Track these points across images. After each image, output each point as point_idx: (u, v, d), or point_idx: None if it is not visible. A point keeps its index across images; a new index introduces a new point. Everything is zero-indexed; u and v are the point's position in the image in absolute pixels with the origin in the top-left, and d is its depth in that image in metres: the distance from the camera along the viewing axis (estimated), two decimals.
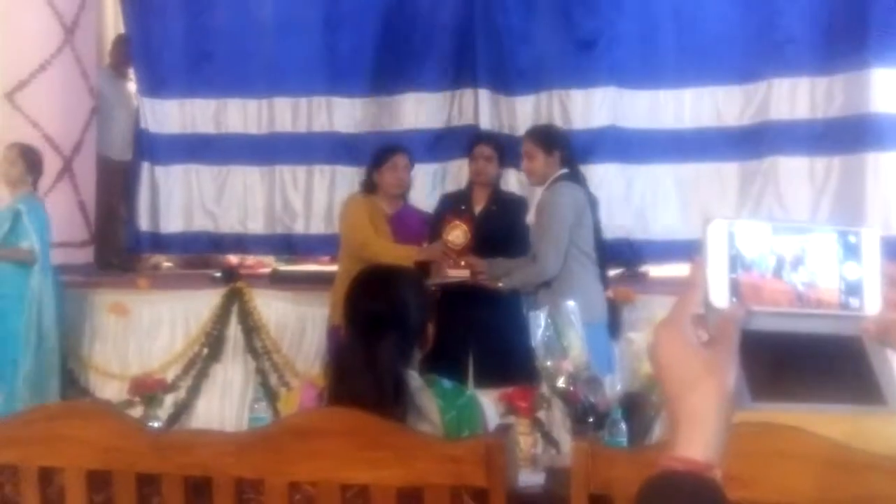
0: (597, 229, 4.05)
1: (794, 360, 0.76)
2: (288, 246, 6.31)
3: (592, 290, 3.94)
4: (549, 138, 4.06)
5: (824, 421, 1.39)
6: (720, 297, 0.76)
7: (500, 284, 4.04)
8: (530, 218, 4.11)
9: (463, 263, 4.14)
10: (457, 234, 4.15)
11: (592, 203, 4.06)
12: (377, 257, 3.93)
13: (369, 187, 4.41)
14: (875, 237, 0.79)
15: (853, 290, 0.78)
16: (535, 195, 5.46)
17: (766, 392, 0.75)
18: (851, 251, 0.78)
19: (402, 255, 4.12)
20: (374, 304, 1.93)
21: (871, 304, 0.78)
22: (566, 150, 4.06)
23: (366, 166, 4.61)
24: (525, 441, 2.74)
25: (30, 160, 4.98)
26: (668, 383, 0.77)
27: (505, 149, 4.50)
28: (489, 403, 2.06)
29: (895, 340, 0.79)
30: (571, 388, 3.01)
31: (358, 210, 4.36)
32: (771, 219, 0.79)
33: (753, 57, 5.46)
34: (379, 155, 4.44)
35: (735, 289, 0.76)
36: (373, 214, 4.33)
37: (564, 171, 3.98)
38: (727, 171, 5.55)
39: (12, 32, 5.58)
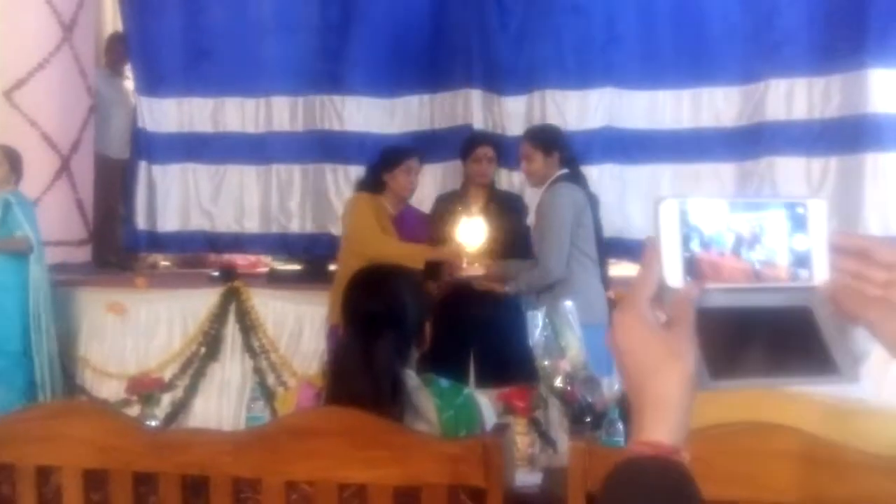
0: (597, 229, 4.04)
1: (749, 336, 0.76)
2: (284, 245, 6.31)
3: (593, 290, 3.94)
4: (547, 139, 4.04)
5: (797, 415, 1.39)
6: (674, 276, 0.76)
7: (507, 289, 4.03)
8: (530, 219, 4.10)
9: (476, 265, 4.13)
10: (471, 235, 4.14)
11: (593, 203, 4.04)
12: (386, 257, 3.83)
13: (376, 187, 4.35)
14: (822, 208, 0.79)
15: (802, 261, 0.78)
16: (533, 195, 5.48)
17: (724, 370, 0.75)
18: (799, 223, 0.79)
19: (412, 254, 4.08)
20: (371, 303, 1.93)
21: (820, 275, 0.79)
22: (565, 150, 4.04)
23: (368, 165, 4.56)
24: (522, 441, 2.74)
25: (13, 161, 4.99)
26: (629, 368, 0.76)
27: (503, 150, 4.49)
28: (487, 403, 2.06)
29: (845, 307, 0.79)
30: (569, 388, 3.01)
31: (365, 209, 4.31)
32: (724, 195, 0.80)
33: (751, 57, 5.46)
34: (392, 156, 4.37)
35: (689, 267, 0.76)
36: (378, 214, 4.31)
37: (564, 171, 3.97)
38: (725, 172, 5.56)
39: (11, 31, 5.57)
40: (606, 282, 4.10)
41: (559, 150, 3.99)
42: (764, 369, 0.76)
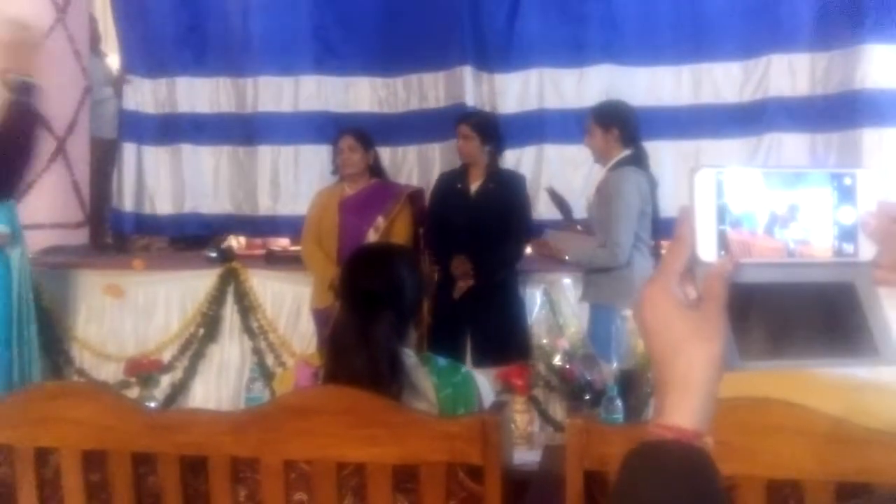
0: (654, 212, 3.96)
1: (785, 314, 0.73)
2: (271, 227, 6.28)
3: (647, 277, 3.90)
4: (605, 115, 3.96)
5: (821, 394, 1.39)
6: (708, 250, 0.72)
7: (567, 258, 3.98)
8: (589, 195, 4.03)
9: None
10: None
11: (652, 186, 3.96)
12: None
13: (336, 170, 4.51)
14: (872, 178, 0.74)
15: (847, 235, 0.74)
16: (539, 175, 5.46)
17: (756, 350, 0.71)
18: (846, 194, 0.74)
19: (314, 269, 4.40)
20: (368, 281, 1.92)
21: (866, 250, 0.74)
22: (626, 128, 3.94)
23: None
24: (521, 419, 2.75)
25: None
26: (654, 347, 0.73)
27: (491, 127, 4.44)
28: (485, 381, 2.06)
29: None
30: (567, 366, 3.02)
31: (311, 208, 4.52)
32: (761, 165, 0.76)
33: (751, 33, 5.44)
34: (334, 140, 4.52)
35: (724, 241, 0.72)
36: (326, 208, 4.39)
37: (627, 152, 3.91)
38: (728, 148, 5.53)
39: (3, 11, 5.52)
40: None
41: (619, 127, 3.91)
42: (798, 350, 0.72)
